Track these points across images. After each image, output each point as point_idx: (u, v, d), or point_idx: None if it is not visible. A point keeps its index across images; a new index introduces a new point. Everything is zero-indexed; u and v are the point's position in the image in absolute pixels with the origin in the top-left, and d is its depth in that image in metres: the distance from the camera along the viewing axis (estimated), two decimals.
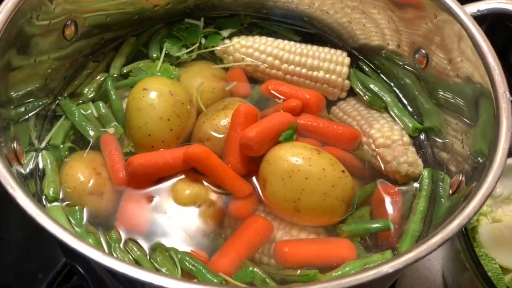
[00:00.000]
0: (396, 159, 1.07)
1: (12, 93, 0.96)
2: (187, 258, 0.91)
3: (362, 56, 1.30)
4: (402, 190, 1.08)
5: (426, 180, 1.07)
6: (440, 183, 1.06)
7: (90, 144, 1.08)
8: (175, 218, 0.98)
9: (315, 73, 1.23)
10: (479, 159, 0.89)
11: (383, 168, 1.09)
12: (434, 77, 1.11)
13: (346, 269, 0.92)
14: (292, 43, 1.25)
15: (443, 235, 0.70)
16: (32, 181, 0.98)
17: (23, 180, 0.89)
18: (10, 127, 0.92)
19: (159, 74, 1.17)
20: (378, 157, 1.09)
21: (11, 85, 0.95)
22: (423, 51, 1.12)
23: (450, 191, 0.98)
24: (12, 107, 0.96)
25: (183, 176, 1.02)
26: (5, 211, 1.35)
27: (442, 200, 1.03)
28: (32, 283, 1.29)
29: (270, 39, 1.26)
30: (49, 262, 1.31)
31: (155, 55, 1.23)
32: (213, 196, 1.01)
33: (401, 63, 1.21)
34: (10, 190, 0.70)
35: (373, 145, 1.10)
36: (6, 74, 0.92)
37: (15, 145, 0.92)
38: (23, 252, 1.34)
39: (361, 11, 1.22)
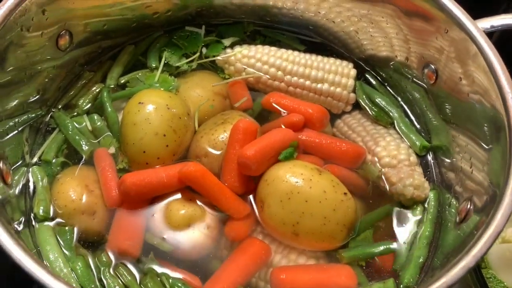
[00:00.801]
0: (401, 181, 1.02)
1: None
2: (179, 284, 0.87)
3: (369, 68, 1.25)
4: (406, 213, 1.03)
5: (432, 203, 1.02)
6: (447, 207, 1.01)
7: (84, 159, 1.04)
8: (169, 240, 0.94)
9: (319, 85, 1.19)
10: (490, 188, 0.84)
11: (387, 189, 1.04)
12: (444, 93, 1.05)
13: None
14: (296, 53, 1.21)
15: (447, 279, 0.65)
16: (22, 198, 0.95)
17: (3, 207, 0.84)
18: None
19: (157, 85, 1.13)
20: (383, 177, 1.04)
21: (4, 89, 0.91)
22: (433, 66, 1.06)
23: (458, 219, 0.93)
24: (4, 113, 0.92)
25: (178, 196, 0.98)
26: None
27: (449, 225, 0.98)
28: None
29: (274, 48, 1.21)
30: None
31: (154, 65, 1.18)
32: (209, 217, 0.97)
33: (409, 77, 1.15)
34: None
35: (378, 164, 1.05)
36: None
37: (1, 164, 0.88)
38: None
39: (369, 20, 1.16)
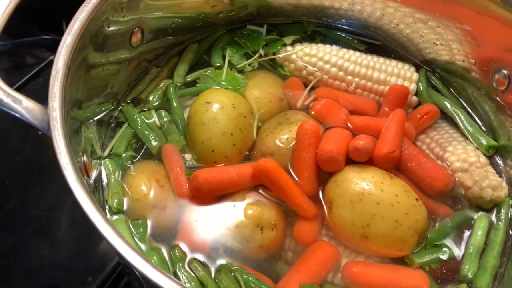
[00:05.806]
0: (477, 184, 0.98)
1: (80, 95, 0.94)
2: (253, 280, 0.87)
3: (431, 69, 1.24)
4: (474, 218, 1.00)
5: (504, 209, 0.99)
6: None
7: (150, 154, 1.05)
8: (237, 238, 0.94)
9: (381, 87, 1.18)
10: None
11: (463, 193, 1.01)
12: None
13: None
14: (358, 53, 1.20)
15: None
16: (95, 191, 0.97)
17: (92, 193, 0.87)
18: (82, 132, 0.90)
19: (224, 83, 1.13)
20: (456, 183, 1.02)
21: (83, 84, 0.93)
22: (505, 72, 1.04)
23: None
24: (83, 107, 0.94)
25: (246, 195, 0.98)
26: (58, 210, 1.35)
27: None
28: (82, 285, 1.28)
29: (335, 47, 1.20)
30: (99, 264, 1.30)
31: (218, 63, 1.19)
32: (276, 218, 0.96)
33: (475, 83, 1.13)
34: (87, 211, 0.68)
35: (449, 170, 1.03)
36: (82, 74, 0.91)
37: (84, 158, 0.90)
38: (73, 252, 1.33)
39: (435, 25, 1.15)
